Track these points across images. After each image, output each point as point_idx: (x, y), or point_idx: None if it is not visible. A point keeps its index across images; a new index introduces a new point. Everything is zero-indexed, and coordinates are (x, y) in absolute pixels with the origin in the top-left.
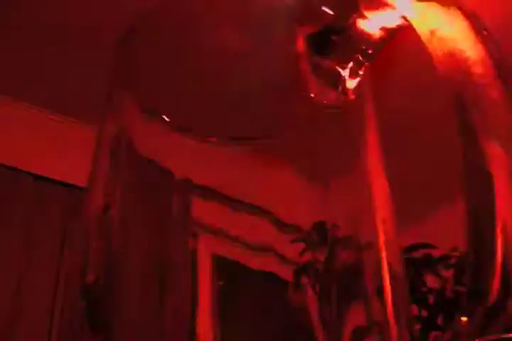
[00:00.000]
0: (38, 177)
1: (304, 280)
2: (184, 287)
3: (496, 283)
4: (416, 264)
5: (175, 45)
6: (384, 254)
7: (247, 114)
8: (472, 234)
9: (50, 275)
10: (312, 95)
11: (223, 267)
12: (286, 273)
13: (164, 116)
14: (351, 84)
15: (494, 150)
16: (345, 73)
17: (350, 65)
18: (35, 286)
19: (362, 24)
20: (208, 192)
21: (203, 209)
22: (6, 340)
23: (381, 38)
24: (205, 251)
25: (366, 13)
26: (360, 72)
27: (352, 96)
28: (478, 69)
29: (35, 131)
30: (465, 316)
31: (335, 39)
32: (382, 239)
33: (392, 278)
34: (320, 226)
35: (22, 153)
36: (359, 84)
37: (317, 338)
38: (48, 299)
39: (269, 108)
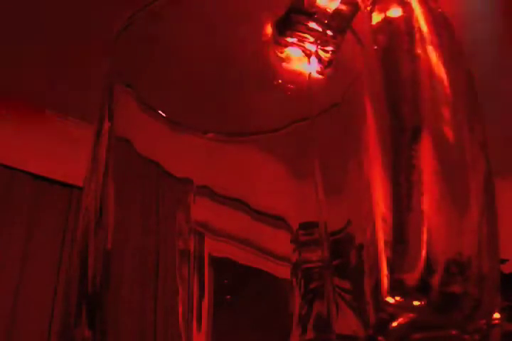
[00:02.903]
0: (38, 177)
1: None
2: (181, 286)
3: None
4: None
5: (170, 41)
6: (383, 254)
7: (243, 108)
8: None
9: (50, 274)
10: (280, 81)
11: (222, 266)
12: (281, 272)
13: (160, 112)
14: (325, 56)
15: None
16: (313, 48)
17: (319, 40)
18: (36, 286)
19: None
20: (208, 192)
21: (202, 209)
22: (6, 339)
23: (343, 11)
24: (205, 250)
25: None
26: (331, 47)
27: (326, 70)
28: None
29: (35, 131)
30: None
31: (295, 17)
32: (382, 238)
33: None
34: (309, 226)
35: (22, 153)
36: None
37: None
38: (48, 298)
39: (255, 101)
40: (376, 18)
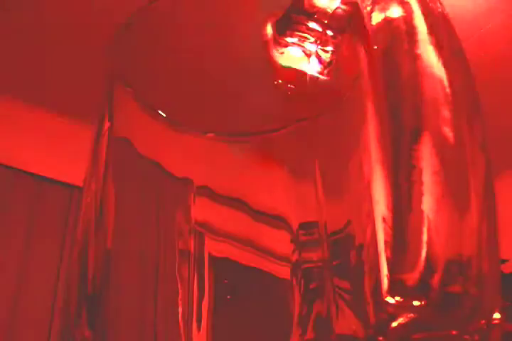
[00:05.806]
0: (38, 177)
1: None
2: (181, 287)
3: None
4: None
5: (170, 41)
6: (383, 254)
7: (243, 108)
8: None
9: (50, 275)
10: (280, 81)
11: (222, 266)
12: (281, 272)
13: (160, 112)
14: (325, 56)
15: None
16: (314, 48)
17: (319, 40)
18: (35, 286)
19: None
20: (208, 192)
21: (202, 209)
22: (7, 339)
23: (343, 11)
24: (205, 250)
25: None
26: (331, 47)
27: (326, 70)
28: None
29: (35, 131)
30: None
31: (295, 17)
32: (382, 238)
33: None
34: (309, 226)
35: (22, 153)
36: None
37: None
38: (48, 298)
39: (257, 101)
40: (376, 18)
